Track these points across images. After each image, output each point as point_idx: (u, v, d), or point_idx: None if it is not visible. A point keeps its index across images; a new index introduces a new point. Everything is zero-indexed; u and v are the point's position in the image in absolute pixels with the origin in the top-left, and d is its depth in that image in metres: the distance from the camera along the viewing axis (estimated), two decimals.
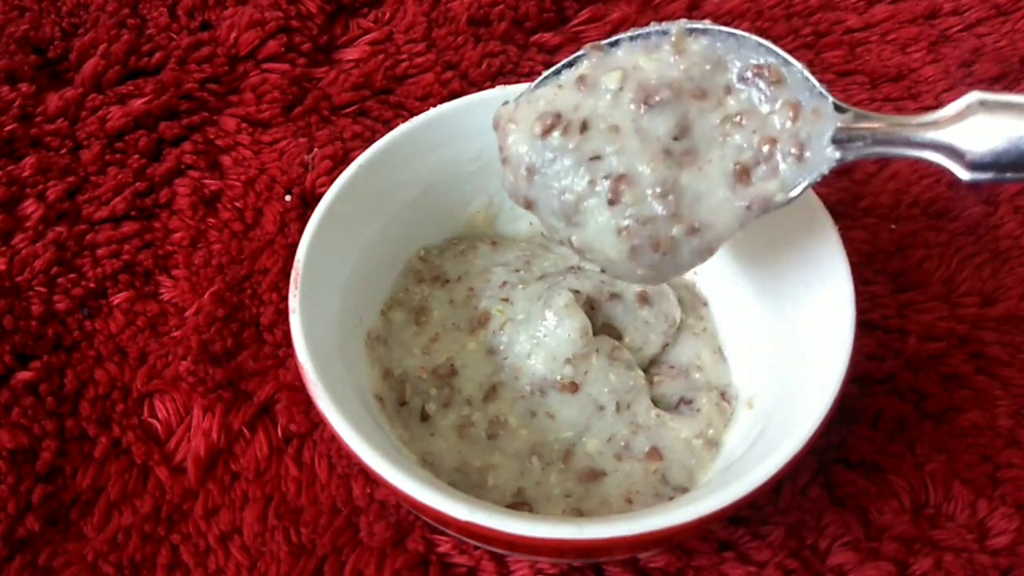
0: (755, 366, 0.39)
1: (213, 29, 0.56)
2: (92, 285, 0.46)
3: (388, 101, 0.54)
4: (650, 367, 0.41)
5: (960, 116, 0.29)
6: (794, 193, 0.31)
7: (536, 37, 0.57)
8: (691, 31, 0.33)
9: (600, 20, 0.57)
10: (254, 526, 0.39)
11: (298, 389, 0.42)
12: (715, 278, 0.43)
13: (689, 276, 0.43)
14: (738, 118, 0.32)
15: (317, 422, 0.41)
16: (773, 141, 0.31)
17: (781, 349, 0.37)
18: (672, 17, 0.57)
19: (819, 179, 0.31)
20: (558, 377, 0.38)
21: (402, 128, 0.40)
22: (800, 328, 0.36)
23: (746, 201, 0.31)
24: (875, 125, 0.31)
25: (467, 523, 0.29)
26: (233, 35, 0.55)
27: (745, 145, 0.32)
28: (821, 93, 0.31)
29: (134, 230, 0.48)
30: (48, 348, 0.43)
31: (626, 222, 0.32)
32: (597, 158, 0.32)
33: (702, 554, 0.37)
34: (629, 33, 0.34)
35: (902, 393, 0.41)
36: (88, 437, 0.41)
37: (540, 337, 0.38)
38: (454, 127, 0.41)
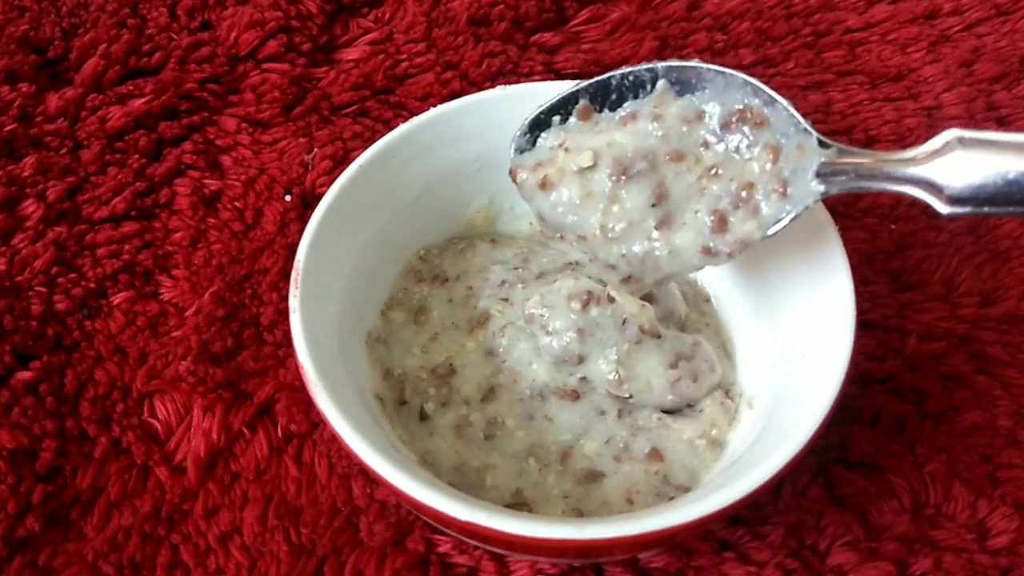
0: (755, 366, 0.39)
1: (213, 29, 0.56)
2: (92, 285, 0.46)
3: (388, 101, 0.54)
4: None
5: (939, 152, 0.30)
6: (774, 229, 0.33)
7: (536, 37, 0.56)
8: (674, 82, 0.34)
9: (600, 20, 0.57)
10: (254, 526, 0.39)
11: (298, 389, 0.42)
12: (715, 279, 0.43)
13: (689, 277, 0.43)
14: (714, 170, 0.34)
15: (317, 422, 0.41)
16: (751, 186, 0.33)
17: (781, 349, 0.37)
18: (672, 17, 0.57)
19: (802, 212, 0.32)
20: (560, 384, 0.38)
21: (402, 128, 0.40)
22: (800, 328, 0.36)
23: (728, 247, 0.34)
24: (858, 160, 0.32)
25: (467, 523, 0.29)
26: (233, 35, 0.55)
27: (722, 194, 0.34)
28: (806, 129, 0.32)
29: (134, 230, 0.48)
30: (48, 348, 0.43)
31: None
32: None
33: (702, 554, 0.37)
34: (621, 71, 0.36)
35: (902, 393, 0.41)
36: (88, 437, 0.41)
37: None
38: (454, 127, 0.41)
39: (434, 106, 0.42)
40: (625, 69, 0.36)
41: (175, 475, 0.40)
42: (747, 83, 0.33)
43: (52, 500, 0.39)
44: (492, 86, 0.50)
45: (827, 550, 0.37)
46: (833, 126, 0.52)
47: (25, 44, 0.54)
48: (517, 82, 0.53)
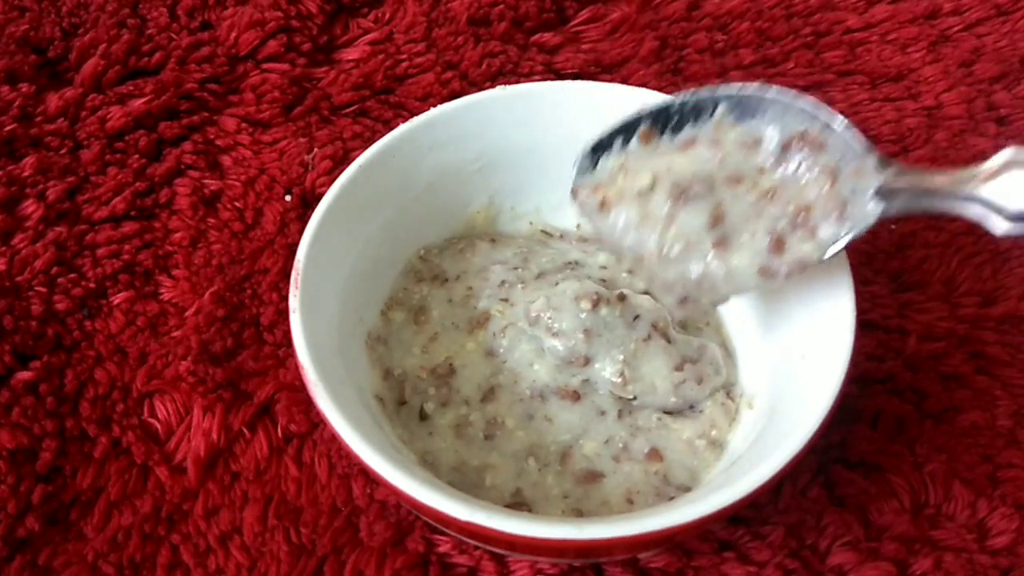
0: (755, 366, 0.39)
1: (213, 29, 0.56)
2: (92, 285, 0.46)
3: (388, 101, 0.54)
4: None
5: (998, 172, 0.31)
6: (832, 251, 0.33)
7: (536, 37, 0.56)
8: (733, 108, 0.35)
9: (600, 20, 0.57)
10: (254, 526, 0.39)
11: (298, 389, 0.42)
12: None
13: None
14: (772, 193, 0.34)
15: (317, 422, 0.41)
16: (809, 208, 0.33)
17: (781, 349, 0.37)
18: (672, 17, 0.57)
19: (862, 234, 0.33)
20: (562, 385, 0.38)
21: (402, 128, 0.40)
22: (800, 328, 0.36)
23: (786, 267, 0.34)
24: (916, 181, 0.32)
25: (467, 523, 0.29)
26: (233, 35, 0.55)
27: (780, 216, 0.34)
28: (865, 150, 0.32)
29: (134, 230, 0.48)
30: (48, 348, 0.43)
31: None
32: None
33: (702, 554, 0.37)
34: (683, 96, 0.36)
35: (902, 393, 0.41)
36: (88, 437, 0.41)
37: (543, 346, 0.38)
38: (455, 127, 0.41)
39: (434, 106, 0.42)
40: (687, 94, 0.36)
41: (175, 475, 0.40)
42: (803, 110, 0.34)
43: (52, 500, 0.39)
44: (492, 86, 0.50)
45: (827, 550, 0.37)
46: None
47: (25, 44, 0.54)
48: (517, 82, 0.53)
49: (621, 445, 0.37)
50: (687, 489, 0.36)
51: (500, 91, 0.42)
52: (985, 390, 0.41)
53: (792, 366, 0.36)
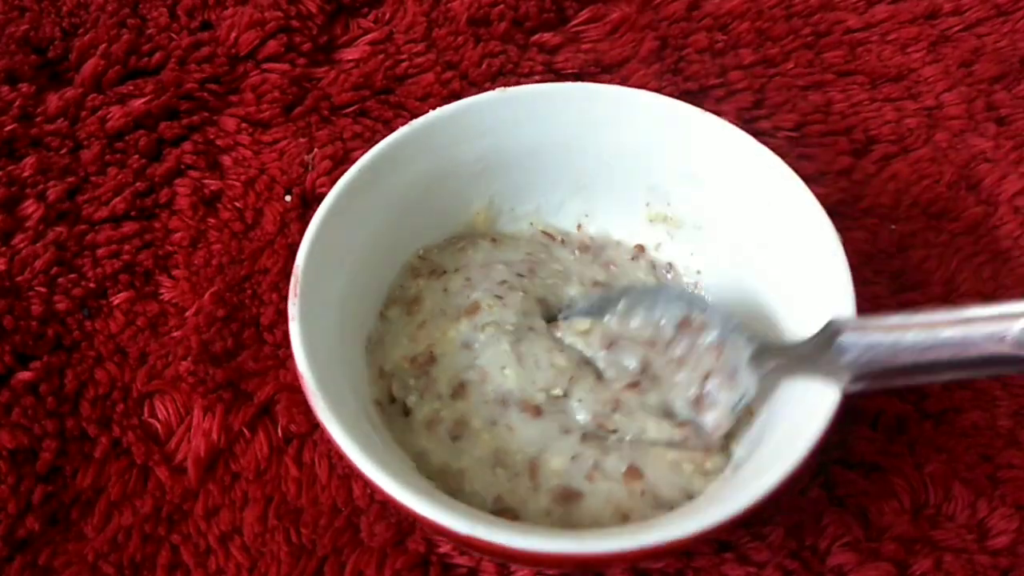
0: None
1: (213, 29, 0.56)
2: (92, 285, 0.46)
3: (388, 101, 0.54)
4: None
5: (827, 340, 0.33)
6: (730, 419, 0.37)
7: (536, 37, 0.56)
8: (630, 308, 0.39)
9: (600, 20, 0.57)
10: (254, 526, 0.39)
11: (298, 389, 0.42)
12: (713, 284, 0.43)
13: (690, 279, 0.43)
14: (681, 361, 0.38)
15: (317, 422, 0.41)
16: (707, 376, 0.37)
17: None
18: (672, 17, 0.57)
19: (748, 403, 0.36)
20: (524, 398, 0.37)
21: (403, 130, 0.40)
22: (802, 331, 0.36)
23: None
24: (778, 354, 0.36)
25: (468, 536, 0.29)
26: (233, 35, 0.55)
27: (690, 383, 0.38)
28: (735, 327, 0.37)
29: (134, 230, 0.48)
30: (48, 348, 0.43)
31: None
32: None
33: (702, 555, 0.37)
34: (590, 299, 0.41)
35: (902, 393, 0.41)
36: (88, 437, 0.41)
37: (523, 356, 0.38)
38: (456, 129, 0.41)
39: (434, 106, 0.42)
40: (591, 297, 0.41)
41: (175, 475, 0.40)
42: (683, 295, 0.40)
43: (52, 500, 0.39)
44: (492, 86, 0.50)
45: (827, 550, 0.37)
46: (833, 126, 0.52)
47: (25, 44, 0.54)
48: (517, 82, 0.53)
49: (591, 463, 0.35)
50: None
51: (501, 92, 0.42)
52: (985, 390, 0.41)
53: None
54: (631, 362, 0.38)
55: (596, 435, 0.36)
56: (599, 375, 0.38)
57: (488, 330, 0.39)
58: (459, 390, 0.38)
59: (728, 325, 0.37)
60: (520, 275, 0.42)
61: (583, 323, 0.40)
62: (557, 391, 0.37)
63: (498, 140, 0.42)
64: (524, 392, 0.37)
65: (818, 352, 0.33)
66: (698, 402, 0.37)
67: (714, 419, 0.37)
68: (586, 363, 0.39)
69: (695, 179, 0.42)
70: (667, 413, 0.37)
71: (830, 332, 0.33)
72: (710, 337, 0.37)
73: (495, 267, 0.42)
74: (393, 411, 0.38)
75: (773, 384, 0.36)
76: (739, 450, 0.37)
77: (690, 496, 0.35)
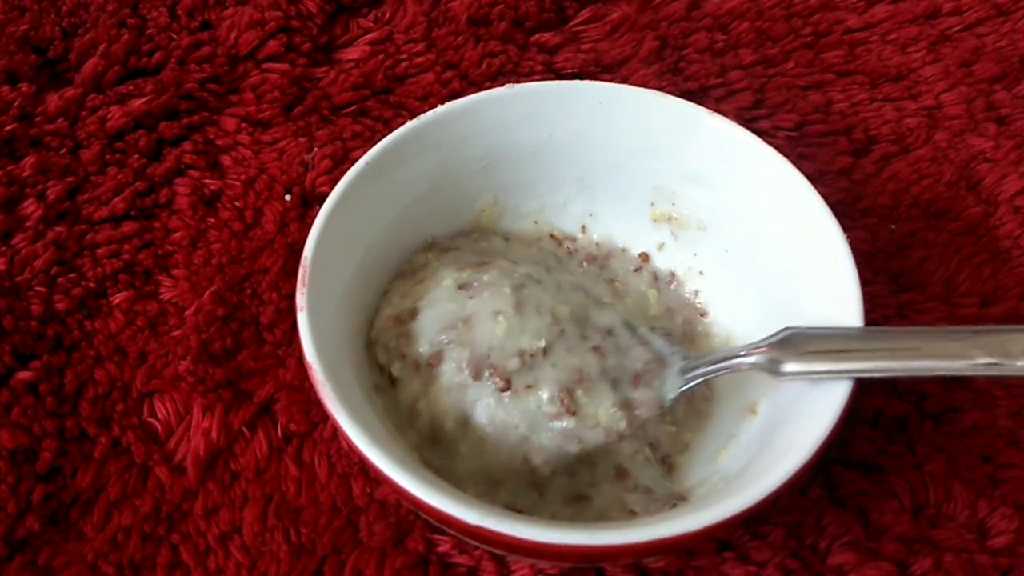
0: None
1: (213, 29, 0.56)
2: (92, 285, 0.46)
3: (388, 101, 0.54)
4: None
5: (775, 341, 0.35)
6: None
7: (536, 37, 0.56)
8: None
9: (600, 20, 0.57)
10: (254, 526, 0.39)
11: (298, 389, 0.42)
12: (716, 284, 0.43)
13: (691, 283, 0.43)
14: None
15: (317, 421, 0.41)
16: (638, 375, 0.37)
17: None
18: (672, 17, 0.57)
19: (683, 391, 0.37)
20: (501, 361, 0.36)
21: (409, 126, 0.40)
22: None
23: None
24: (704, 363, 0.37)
25: (477, 527, 0.29)
26: (233, 35, 0.55)
27: (621, 375, 0.37)
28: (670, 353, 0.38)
29: (134, 230, 0.48)
30: (48, 348, 0.43)
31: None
32: None
33: (702, 554, 0.37)
34: None
35: (902, 393, 0.41)
36: (88, 437, 0.41)
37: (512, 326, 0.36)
38: (461, 126, 0.41)
39: (434, 106, 0.42)
40: None
41: (175, 475, 0.40)
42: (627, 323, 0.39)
43: (52, 500, 0.39)
44: (492, 86, 0.50)
45: (827, 550, 0.37)
46: (833, 126, 0.52)
47: (25, 44, 0.54)
48: (518, 82, 0.53)
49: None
50: (680, 497, 0.36)
51: (506, 90, 0.42)
52: (985, 390, 0.41)
53: None
54: (606, 320, 0.38)
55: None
56: (583, 333, 0.37)
57: (493, 272, 0.38)
58: (435, 359, 0.36)
59: (663, 348, 0.38)
60: (537, 281, 0.39)
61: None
62: (540, 343, 0.36)
63: (504, 137, 0.42)
64: (504, 350, 0.36)
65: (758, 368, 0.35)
66: (636, 380, 0.37)
67: (645, 398, 0.37)
68: (582, 320, 0.38)
69: (700, 179, 0.42)
70: (615, 383, 0.37)
71: (773, 358, 0.35)
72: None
73: (520, 264, 0.41)
74: (387, 398, 0.38)
75: (777, 385, 0.36)
76: (739, 450, 0.37)
77: (671, 489, 0.36)
